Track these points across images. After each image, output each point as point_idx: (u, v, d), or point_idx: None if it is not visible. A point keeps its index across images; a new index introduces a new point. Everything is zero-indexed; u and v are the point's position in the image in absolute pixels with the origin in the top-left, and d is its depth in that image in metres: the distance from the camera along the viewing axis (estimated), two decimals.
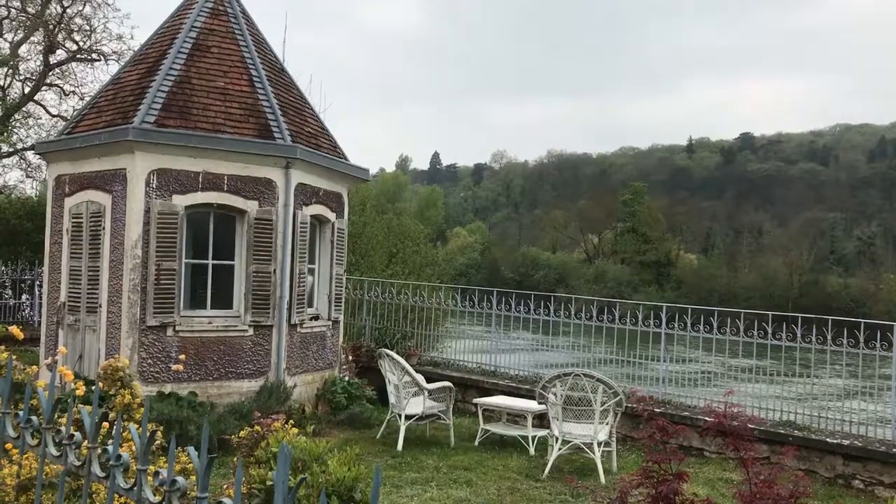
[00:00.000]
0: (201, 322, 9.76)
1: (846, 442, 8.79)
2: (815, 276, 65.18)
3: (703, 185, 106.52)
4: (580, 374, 8.60)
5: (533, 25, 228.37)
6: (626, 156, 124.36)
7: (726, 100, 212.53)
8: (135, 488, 2.88)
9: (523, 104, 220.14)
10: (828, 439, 8.88)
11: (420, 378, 9.82)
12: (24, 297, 14.77)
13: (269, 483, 2.93)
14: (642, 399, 4.53)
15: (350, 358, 12.05)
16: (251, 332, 10.01)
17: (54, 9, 22.92)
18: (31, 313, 14.64)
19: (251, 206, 10.01)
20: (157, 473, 2.83)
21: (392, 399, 9.79)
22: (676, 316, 10.60)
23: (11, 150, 23.95)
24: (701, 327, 10.17)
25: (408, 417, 9.53)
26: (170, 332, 9.56)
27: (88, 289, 9.90)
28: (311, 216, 10.84)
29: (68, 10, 22.91)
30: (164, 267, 9.51)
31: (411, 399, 9.62)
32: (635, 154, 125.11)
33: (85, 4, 22.95)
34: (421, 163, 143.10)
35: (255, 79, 10.57)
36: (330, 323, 11.39)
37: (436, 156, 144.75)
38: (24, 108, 23.84)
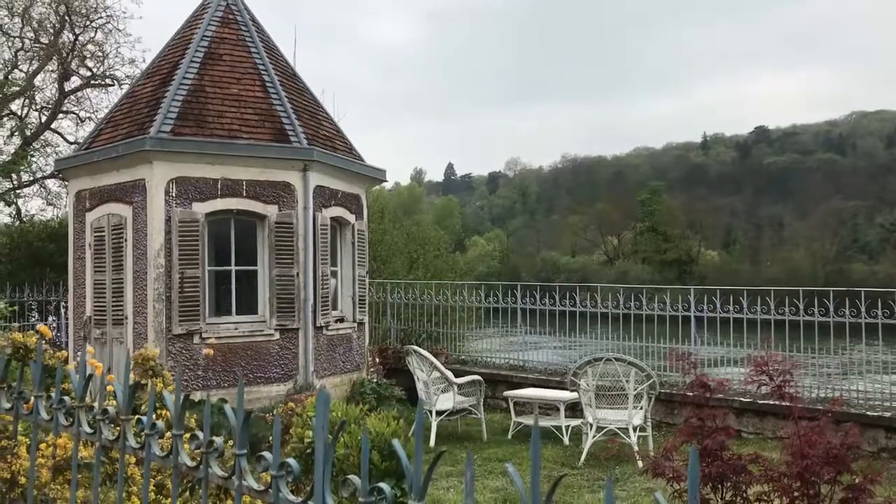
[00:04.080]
0: (227, 328, 9.75)
1: (888, 414, 8.60)
2: (840, 265, 64.44)
3: (720, 181, 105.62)
4: (611, 358, 8.49)
5: (540, 31, 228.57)
6: (640, 156, 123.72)
7: (738, 94, 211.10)
8: (171, 456, 2.84)
9: (535, 110, 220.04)
10: (868, 412, 8.69)
11: (449, 373, 9.74)
12: (50, 318, 14.84)
13: (307, 440, 2.88)
14: (682, 357, 4.43)
15: (377, 360, 11.99)
16: (277, 335, 9.98)
17: (67, 37, 23.20)
18: (58, 334, 14.71)
19: (271, 211, 10.01)
20: (193, 437, 2.78)
21: (422, 396, 9.71)
22: (705, 298, 10.44)
23: (31, 179, 24.22)
24: (731, 307, 10.01)
25: (438, 413, 9.45)
26: (196, 339, 9.55)
27: (113, 301, 9.92)
28: (331, 218, 10.82)
29: (80, 38, 23.18)
30: (187, 275, 9.52)
31: (441, 395, 9.54)
32: (650, 154, 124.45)
33: (96, 31, 23.24)
34: (435, 175, 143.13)
35: (268, 84, 10.59)
36: (355, 325, 11.35)
37: (450, 167, 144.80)
38: (41, 137, 24.11)
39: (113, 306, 9.93)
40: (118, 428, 3.15)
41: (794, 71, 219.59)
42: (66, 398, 3.33)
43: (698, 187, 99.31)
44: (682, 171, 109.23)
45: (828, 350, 9.42)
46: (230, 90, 10.33)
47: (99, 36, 23.27)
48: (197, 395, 9.33)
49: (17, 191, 23.55)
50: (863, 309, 9.07)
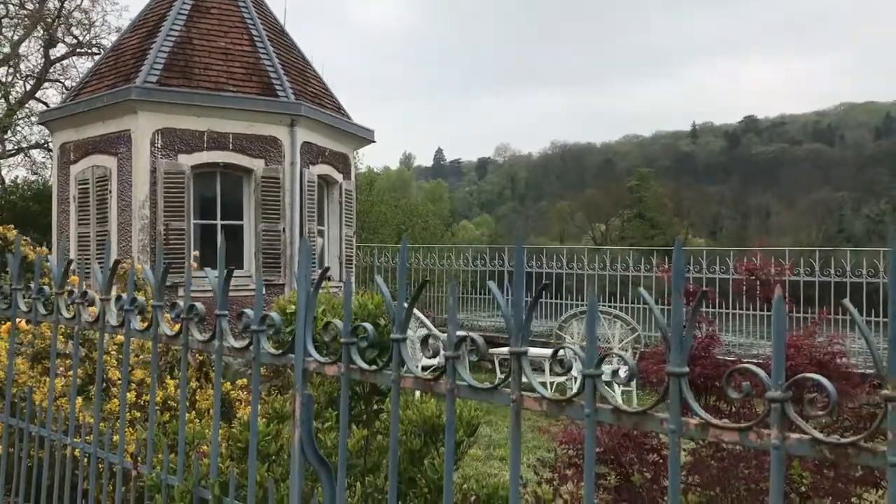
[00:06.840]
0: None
1: (871, 371, 8.63)
2: (825, 254, 64.89)
3: (708, 170, 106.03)
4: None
5: (530, 16, 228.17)
6: (630, 143, 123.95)
7: (728, 84, 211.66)
8: (150, 329, 2.80)
9: (525, 96, 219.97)
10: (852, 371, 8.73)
11: (435, 330, 9.73)
12: None
13: (289, 311, 2.84)
14: (667, 271, 4.42)
15: None
16: (263, 291, 9.92)
17: (52, 4, 22.95)
18: None
19: (257, 165, 9.94)
20: (174, 305, 2.75)
21: (408, 351, 9.68)
22: (692, 259, 10.47)
23: (16, 148, 23.97)
24: (717, 268, 10.04)
25: (424, 370, 9.42)
26: (181, 292, 9.47)
27: (98, 254, 9.84)
28: (319, 176, 10.75)
29: (66, 5, 22.93)
30: (172, 227, 9.45)
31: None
32: (639, 142, 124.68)
33: None
34: (424, 160, 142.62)
35: (256, 39, 10.49)
36: (342, 285, 11.29)
37: (439, 152, 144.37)
38: (26, 106, 23.84)
39: (97, 259, 9.84)
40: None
41: (784, 61, 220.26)
42: (46, 287, 3.29)
43: (687, 175, 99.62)
44: (671, 159, 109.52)
45: (813, 309, 9.46)
46: (217, 43, 10.23)
47: (85, 3, 23.08)
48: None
49: (0, 161, 23.32)
50: (848, 268, 9.12)
